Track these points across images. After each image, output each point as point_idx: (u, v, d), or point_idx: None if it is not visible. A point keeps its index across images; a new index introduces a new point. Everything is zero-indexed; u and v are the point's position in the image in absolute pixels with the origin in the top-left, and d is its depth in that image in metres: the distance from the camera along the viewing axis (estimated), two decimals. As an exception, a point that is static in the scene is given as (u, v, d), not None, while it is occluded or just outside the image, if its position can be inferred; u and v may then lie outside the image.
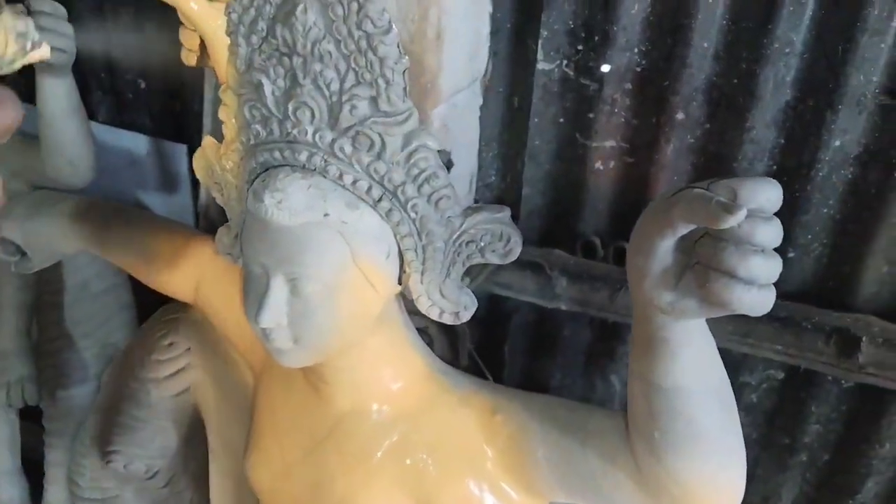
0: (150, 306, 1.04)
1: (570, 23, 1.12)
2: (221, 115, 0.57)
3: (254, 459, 0.69)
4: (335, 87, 0.51)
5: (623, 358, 1.30)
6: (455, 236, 0.55)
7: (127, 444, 0.76)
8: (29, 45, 0.54)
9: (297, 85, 0.52)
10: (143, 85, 1.62)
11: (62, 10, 1.04)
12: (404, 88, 0.50)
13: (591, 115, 1.14)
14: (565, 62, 1.14)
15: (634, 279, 0.48)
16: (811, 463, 1.19)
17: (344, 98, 0.51)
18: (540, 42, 1.13)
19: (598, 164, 1.18)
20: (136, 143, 1.59)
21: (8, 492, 1.46)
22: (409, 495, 0.64)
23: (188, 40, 0.62)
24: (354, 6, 0.48)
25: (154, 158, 1.60)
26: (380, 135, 0.51)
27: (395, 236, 0.56)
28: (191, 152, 1.52)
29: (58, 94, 1.07)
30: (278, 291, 0.54)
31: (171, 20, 1.42)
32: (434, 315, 0.59)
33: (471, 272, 1.33)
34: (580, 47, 1.12)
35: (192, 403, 0.77)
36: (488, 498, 0.63)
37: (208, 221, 1.50)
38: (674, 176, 1.12)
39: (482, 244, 0.55)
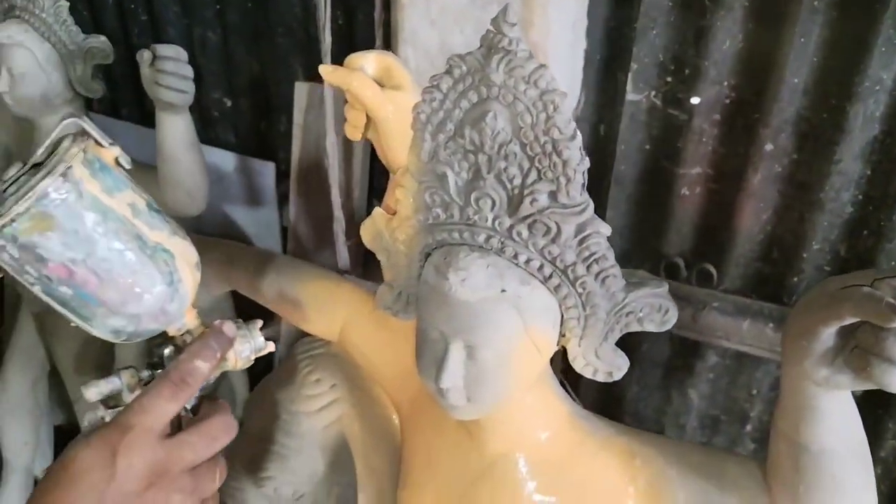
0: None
1: (661, 56, 1.16)
2: (398, 194, 0.63)
3: (407, 493, 0.76)
4: (517, 182, 0.57)
5: (702, 373, 1.35)
6: (617, 308, 0.61)
7: (279, 471, 0.83)
8: (254, 356, 0.61)
9: (481, 178, 0.58)
10: (228, 103, 1.69)
11: (184, 54, 1.11)
12: (583, 184, 0.56)
13: (678, 144, 1.19)
14: (654, 93, 1.19)
15: (794, 357, 0.54)
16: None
17: (525, 192, 0.57)
18: (630, 74, 1.17)
19: (684, 190, 1.23)
20: (224, 159, 1.65)
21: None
22: (559, 534, 0.70)
23: (355, 119, 0.68)
24: (543, 116, 0.53)
25: (240, 175, 1.67)
26: (556, 223, 0.57)
27: (560, 307, 0.62)
28: (279, 170, 1.59)
29: (178, 131, 1.14)
30: (456, 356, 0.61)
31: (258, 44, 1.48)
32: (588, 373, 0.65)
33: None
34: (669, 79, 1.17)
35: (340, 434, 0.84)
36: (632, 535, 0.69)
37: (296, 240, 1.57)
38: (760, 203, 1.16)
39: (641, 315, 0.61)
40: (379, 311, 0.79)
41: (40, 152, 0.53)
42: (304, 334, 0.90)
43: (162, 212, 0.58)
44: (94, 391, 0.56)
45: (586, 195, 0.56)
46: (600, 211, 1.30)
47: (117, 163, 0.55)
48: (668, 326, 0.62)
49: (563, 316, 0.63)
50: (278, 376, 0.88)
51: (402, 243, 0.66)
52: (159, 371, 0.56)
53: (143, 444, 0.50)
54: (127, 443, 0.50)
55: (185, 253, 0.57)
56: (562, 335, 0.64)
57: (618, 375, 0.65)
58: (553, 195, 0.56)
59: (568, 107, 0.53)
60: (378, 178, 1.40)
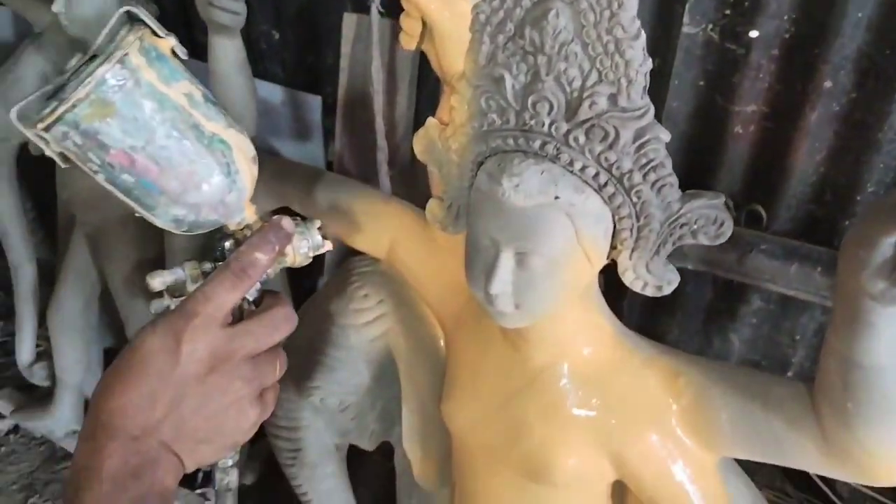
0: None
1: (719, -13, 1.12)
2: (453, 101, 0.63)
3: (452, 405, 0.77)
4: (577, 84, 0.56)
5: (745, 317, 1.34)
6: (671, 219, 0.60)
7: (326, 382, 0.85)
8: (312, 254, 0.62)
9: (539, 81, 0.57)
10: (276, 36, 1.69)
11: None
12: (644, 87, 0.55)
13: (734, 80, 1.16)
14: (711, 26, 1.16)
15: (851, 268, 0.53)
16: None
17: (584, 94, 0.56)
18: (687, 6, 1.14)
19: (738, 128, 1.20)
20: (271, 92, 1.65)
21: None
22: (599, 447, 0.71)
23: (411, 27, 0.68)
24: (607, 14, 0.52)
25: (288, 108, 1.67)
26: (615, 128, 0.56)
27: (613, 217, 0.62)
28: (325, 104, 1.59)
29: (229, 53, 1.14)
30: (507, 262, 0.61)
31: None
32: (637, 288, 0.65)
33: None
34: (727, 12, 1.13)
35: (385, 348, 0.86)
36: (671, 452, 0.70)
37: (340, 174, 1.58)
38: (815, 143, 1.14)
39: (695, 227, 0.60)
40: (426, 229, 0.80)
41: (99, 42, 0.54)
42: (353, 254, 0.91)
43: (218, 104, 0.58)
44: (159, 280, 0.58)
45: (647, 99, 0.55)
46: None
47: (173, 53, 0.56)
48: (722, 240, 0.61)
49: (615, 226, 0.62)
50: (327, 291, 0.89)
51: (454, 153, 0.66)
52: (220, 263, 0.57)
53: (206, 330, 0.52)
54: (191, 329, 0.51)
55: (241, 145, 0.58)
56: (613, 247, 0.64)
57: (667, 290, 0.64)
58: (613, 98, 0.56)
59: (633, 4, 0.52)
60: (423, 113, 1.39)
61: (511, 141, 0.61)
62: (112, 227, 1.35)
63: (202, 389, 0.52)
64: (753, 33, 1.12)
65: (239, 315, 0.56)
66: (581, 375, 0.71)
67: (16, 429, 1.72)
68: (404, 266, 0.83)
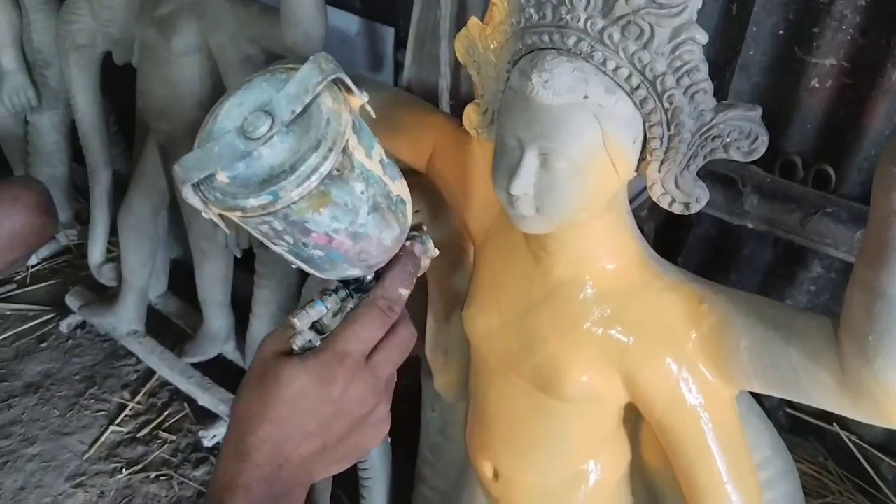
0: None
1: (807, -71, 1.07)
2: (494, -2, 0.63)
3: (472, 312, 0.78)
4: (616, -23, 0.55)
5: (803, 283, 1.29)
6: (704, 130, 0.59)
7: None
8: (428, 263, 0.60)
9: (578, -27, 0.56)
10: (356, -35, 1.70)
11: None
12: (682, -17, 0.53)
13: (815, 30, 1.10)
14: (796, -28, 1.10)
15: (883, 187, 0.51)
16: None
17: (622, -12, 0.55)
18: (771, -51, 1.09)
19: (814, 82, 1.15)
20: (348, 22, 1.67)
21: (218, 321, 1.69)
22: (612, 365, 0.71)
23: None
24: None
25: (363, 39, 1.68)
26: (651, 25, 0.55)
27: (644, 124, 0.60)
28: (398, 35, 1.59)
29: None
30: (530, 163, 0.61)
31: None
32: (664, 203, 0.64)
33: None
34: (815, -42, 1.07)
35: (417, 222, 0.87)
36: (685, 377, 0.69)
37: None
38: (895, 103, 1.07)
39: (728, 140, 0.58)
40: (466, 142, 0.80)
41: (294, 110, 0.46)
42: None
43: (392, 159, 0.54)
44: (306, 320, 0.54)
45: (687, -6, 0.54)
46: (720, 98, 1.24)
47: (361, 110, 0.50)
48: (756, 156, 0.59)
49: (645, 135, 0.61)
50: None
51: (492, 52, 0.66)
52: (359, 295, 0.56)
53: (358, 370, 0.52)
54: (346, 372, 0.51)
55: (409, 196, 0.55)
56: (642, 159, 0.62)
57: (695, 207, 0.63)
58: (651, -6, 0.54)
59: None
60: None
61: (546, 37, 0.60)
62: (182, 136, 1.40)
63: (358, 427, 0.53)
64: (840, -20, 1.06)
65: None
66: (602, 292, 0.70)
67: (83, 324, 1.82)
68: (441, 178, 0.83)
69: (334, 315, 0.55)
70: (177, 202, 1.60)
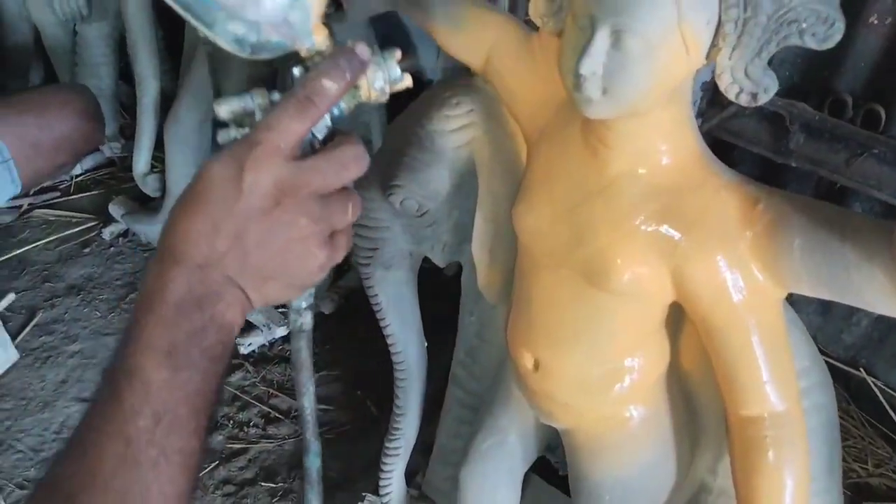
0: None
1: None
2: None
3: (523, 208, 0.79)
4: None
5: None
6: (780, 13, 0.59)
7: (408, 181, 0.89)
8: (388, 88, 0.57)
9: None
10: None
11: None
12: None
13: (880, -38, 1.09)
14: None
15: None
16: None
17: None
18: None
19: (873, 18, 1.13)
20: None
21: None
22: (662, 260, 0.72)
23: None
24: None
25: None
26: None
27: (720, 5, 0.60)
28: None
29: None
30: (601, 42, 0.61)
31: None
32: (732, 94, 0.64)
33: (706, 115, 1.33)
34: None
35: (469, 157, 0.88)
36: (735, 276, 0.70)
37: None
38: (959, 43, 1.06)
39: (804, 25, 0.59)
40: (526, 42, 0.81)
41: None
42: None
43: None
44: (226, 108, 0.54)
45: None
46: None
47: None
48: (831, 44, 0.59)
49: (720, 19, 0.61)
50: (419, 101, 0.91)
51: (567, -64, 0.66)
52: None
53: (269, 160, 0.49)
54: (253, 158, 0.49)
55: None
56: (714, 45, 0.63)
57: (763, 98, 0.63)
58: None
59: None
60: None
61: (626, -84, 0.60)
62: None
63: (266, 223, 0.50)
64: None
65: (309, 152, 0.53)
66: (657, 187, 0.71)
67: (125, 233, 1.87)
68: (498, 77, 0.84)
69: (262, 112, 0.54)
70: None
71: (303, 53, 0.56)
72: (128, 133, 2.05)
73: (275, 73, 1.33)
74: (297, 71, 0.56)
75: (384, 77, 0.56)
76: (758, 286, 0.70)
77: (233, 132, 0.55)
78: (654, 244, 0.72)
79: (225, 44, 0.53)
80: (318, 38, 0.55)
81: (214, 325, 0.51)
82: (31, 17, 1.94)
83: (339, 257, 0.55)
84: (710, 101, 1.21)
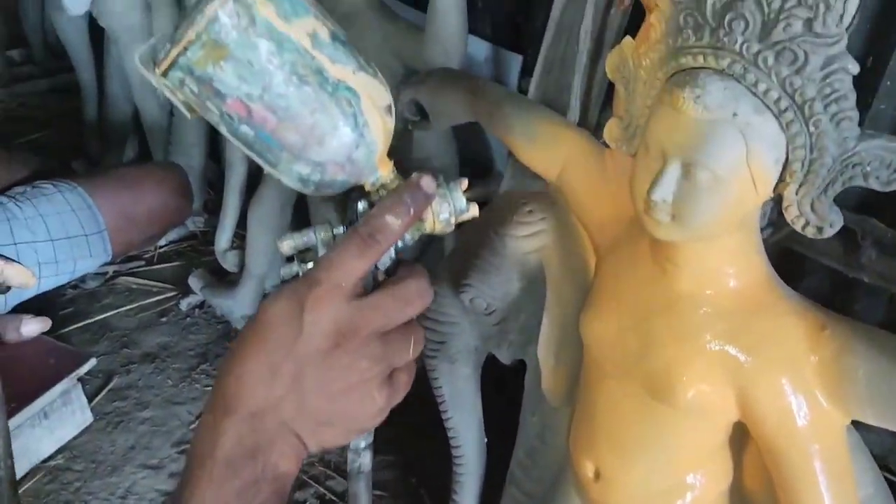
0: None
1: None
2: (652, 19, 0.67)
3: (591, 315, 0.82)
4: (776, 5, 0.58)
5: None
6: (845, 157, 0.61)
7: (478, 282, 0.92)
8: (454, 220, 0.56)
9: (739, 0, 0.60)
10: (490, -6, 1.78)
11: None
12: (841, 15, 0.56)
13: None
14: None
15: None
16: None
17: (782, 16, 0.58)
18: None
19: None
20: (478, 48, 1.75)
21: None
22: (727, 380, 0.73)
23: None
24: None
25: (491, 65, 1.76)
26: (805, 52, 0.58)
27: (787, 146, 0.63)
28: (525, 64, 1.66)
29: None
30: (672, 172, 0.64)
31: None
32: (798, 226, 0.66)
33: (777, 223, 1.34)
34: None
35: (539, 263, 0.92)
36: (800, 400, 0.70)
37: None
38: None
39: (868, 168, 0.61)
40: (599, 157, 0.85)
41: None
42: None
43: (349, 45, 0.52)
44: (288, 244, 0.54)
45: (842, 28, 0.57)
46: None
47: None
48: (893, 187, 0.61)
49: (787, 157, 0.64)
50: (492, 207, 0.96)
51: (643, 69, 0.70)
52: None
53: (330, 300, 0.48)
54: (314, 297, 0.48)
55: (372, 93, 0.52)
56: (781, 180, 0.66)
57: (828, 232, 0.65)
58: (808, 23, 0.58)
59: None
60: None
61: (701, 58, 0.64)
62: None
63: (325, 365, 0.49)
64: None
65: (373, 287, 0.52)
66: (723, 308, 0.73)
67: (202, 305, 1.95)
68: (571, 189, 0.88)
69: (325, 247, 0.53)
70: (303, 198, 1.70)
71: (367, 187, 0.55)
72: (211, 207, 2.16)
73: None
74: (361, 205, 0.55)
75: (450, 209, 0.55)
76: (822, 412, 0.71)
77: (295, 267, 0.55)
78: (719, 363, 0.73)
79: (289, 181, 0.53)
80: (383, 172, 0.55)
81: (268, 477, 0.48)
82: (134, 97, 2.10)
83: (398, 398, 0.53)
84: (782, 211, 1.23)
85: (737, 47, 0.62)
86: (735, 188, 0.64)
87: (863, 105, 1.18)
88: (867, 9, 1.14)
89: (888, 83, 1.16)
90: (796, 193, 0.65)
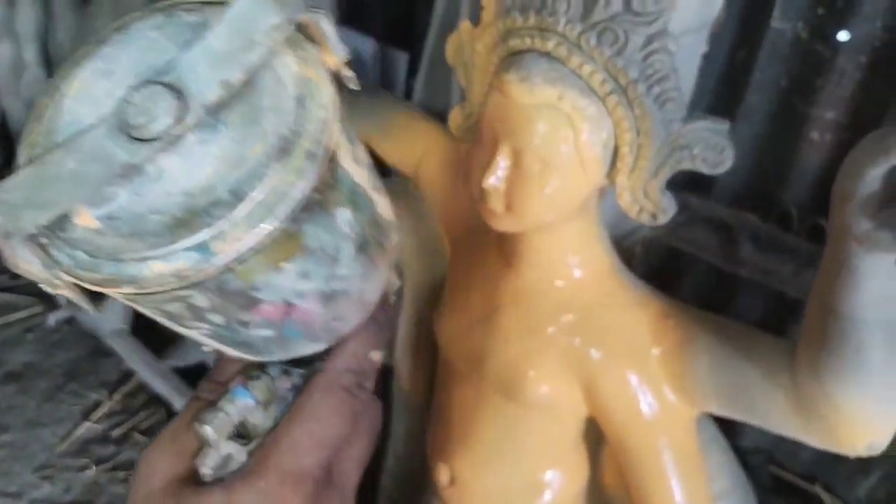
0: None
1: (817, -19, 1.09)
2: (484, 1, 0.65)
3: (441, 312, 0.79)
4: (595, -17, 0.57)
5: (794, 336, 1.28)
6: (672, 139, 0.60)
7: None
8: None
9: (559, -22, 0.58)
10: (378, -10, 1.74)
11: None
12: (659, -6, 0.55)
13: (817, 84, 1.12)
14: (801, 24, 1.12)
15: (837, 202, 0.51)
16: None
17: (601, -4, 0.57)
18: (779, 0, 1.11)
19: (814, 134, 1.16)
20: (364, 45, 1.71)
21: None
22: (573, 373, 0.71)
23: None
24: None
25: (376, 62, 1.72)
26: (625, 32, 0.57)
27: (615, 129, 0.62)
28: (411, 62, 1.63)
29: None
30: (502, 160, 0.62)
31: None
32: (633, 213, 0.65)
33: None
34: (821, 11, 1.09)
35: (396, 260, 0.88)
36: (644, 392, 0.68)
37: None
38: (892, 160, 1.08)
39: (695, 151, 0.60)
40: (453, 149, 0.82)
41: (228, 80, 0.27)
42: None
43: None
44: (225, 426, 0.35)
45: (662, 6, 0.55)
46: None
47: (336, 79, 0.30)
48: (722, 169, 0.60)
49: (616, 142, 0.62)
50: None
51: (478, 55, 0.68)
52: (300, 370, 0.39)
53: (320, 496, 0.36)
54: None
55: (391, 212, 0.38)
56: (613, 166, 0.64)
57: (662, 218, 0.64)
58: (627, 2, 0.56)
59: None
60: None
61: (528, 40, 0.62)
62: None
63: None
64: (843, 35, 1.08)
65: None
66: (568, 300, 0.71)
67: (70, 320, 1.83)
68: (427, 182, 0.84)
69: (265, 408, 0.37)
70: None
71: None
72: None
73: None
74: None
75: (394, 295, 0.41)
76: (668, 405, 0.69)
77: (226, 449, 0.39)
78: (564, 357, 0.71)
79: (263, 360, 0.39)
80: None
81: None
82: None
83: None
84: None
85: (560, 28, 0.59)
86: (565, 174, 0.62)
87: (736, 99, 1.21)
88: (739, 2, 1.15)
89: (759, 75, 1.18)
90: (628, 179, 0.63)
